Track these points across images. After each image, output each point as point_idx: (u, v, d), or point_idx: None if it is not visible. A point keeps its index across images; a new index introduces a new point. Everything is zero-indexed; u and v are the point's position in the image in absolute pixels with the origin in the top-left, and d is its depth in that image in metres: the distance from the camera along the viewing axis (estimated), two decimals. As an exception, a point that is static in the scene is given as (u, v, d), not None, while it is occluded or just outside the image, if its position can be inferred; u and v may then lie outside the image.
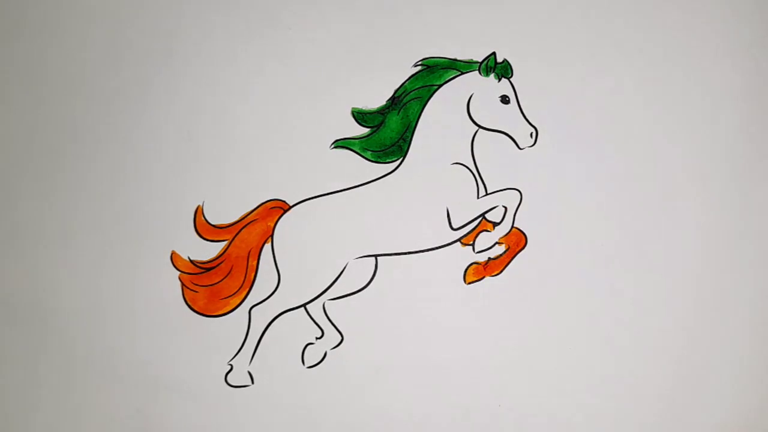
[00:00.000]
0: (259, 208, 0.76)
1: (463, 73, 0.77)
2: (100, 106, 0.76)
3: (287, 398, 0.74)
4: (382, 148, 0.76)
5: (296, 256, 0.76)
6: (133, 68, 0.76)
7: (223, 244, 0.75)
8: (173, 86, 0.76)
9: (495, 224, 0.76)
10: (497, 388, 0.75)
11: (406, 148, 0.76)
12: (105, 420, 0.74)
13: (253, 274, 0.76)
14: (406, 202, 0.76)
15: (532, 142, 0.77)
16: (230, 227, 0.76)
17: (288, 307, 0.76)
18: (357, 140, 0.76)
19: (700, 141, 0.78)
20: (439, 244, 0.76)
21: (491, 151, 0.77)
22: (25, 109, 0.76)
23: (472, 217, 0.76)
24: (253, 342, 0.75)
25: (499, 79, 0.77)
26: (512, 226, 0.76)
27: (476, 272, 0.76)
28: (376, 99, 0.77)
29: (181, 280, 0.75)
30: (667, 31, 0.78)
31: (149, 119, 0.76)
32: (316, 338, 0.75)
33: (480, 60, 0.76)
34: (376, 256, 0.76)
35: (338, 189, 0.76)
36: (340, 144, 0.76)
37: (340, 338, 0.75)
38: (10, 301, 0.74)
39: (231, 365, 0.75)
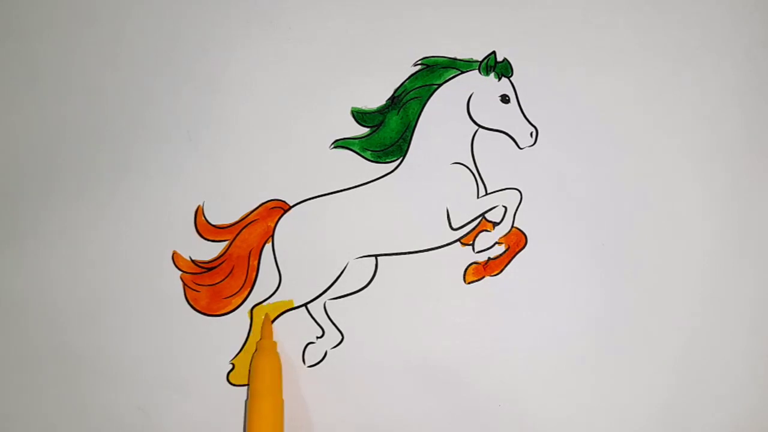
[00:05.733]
0: (260, 208, 0.76)
1: (462, 72, 0.76)
2: (99, 106, 0.76)
3: (287, 397, 0.74)
4: (382, 148, 0.76)
5: (297, 256, 0.76)
6: (133, 68, 0.76)
7: (224, 244, 0.76)
8: (173, 86, 0.76)
9: (495, 224, 0.76)
10: (497, 388, 0.75)
11: (406, 148, 0.76)
12: (106, 418, 0.74)
13: (254, 274, 0.76)
14: (406, 202, 0.76)
15: (532, 142, 0.76)
16: (231, 227, 0.76)
17: (289, 307, 0.76)
18: (357, 140, 0.76)
19: (701, 141, 0.77)
20: (439, 244, 0.76)
21: (491, 150, 0.76)
22: (22, 109, 0.76)
23: (472, 217, 0.76)
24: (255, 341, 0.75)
25: (499, 79, 0.76)
26: (512, 226, 0.76)
27: (476, 272, 0.76)
28: (376, 99, 0.77)
29: (182, 280, 0.75)
30: (668, 31, 0.77)
31: (149, 119, 0.76)
32: (317, 337, 0.75)
33: (480, 59, 0.76)
34: (376, 256, 0.76)
35: (338, 189, 0.76)
36: (340, 144, 0.76)
37: (340, 337, 0.75)
38: (10, 302, 0.75)
39: (233, 364, 0.75)
